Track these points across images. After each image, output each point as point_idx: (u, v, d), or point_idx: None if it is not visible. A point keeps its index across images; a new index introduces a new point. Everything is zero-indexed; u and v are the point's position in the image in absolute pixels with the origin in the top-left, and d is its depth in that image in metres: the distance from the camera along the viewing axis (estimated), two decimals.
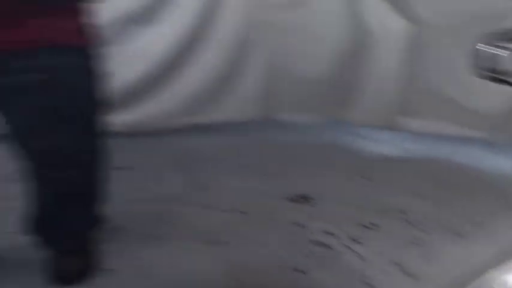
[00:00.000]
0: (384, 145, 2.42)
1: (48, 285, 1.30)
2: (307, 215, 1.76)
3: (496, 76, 0.66)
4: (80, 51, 1.15)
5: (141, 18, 2.31)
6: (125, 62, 2.12)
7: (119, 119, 2.05)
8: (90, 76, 1.17)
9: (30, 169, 1.21)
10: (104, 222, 1.42)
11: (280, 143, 2.40)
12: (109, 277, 1.36)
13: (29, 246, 1.36)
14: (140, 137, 2.26)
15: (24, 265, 1.36)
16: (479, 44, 0.68)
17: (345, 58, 2.39)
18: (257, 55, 2.43)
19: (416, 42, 2.28)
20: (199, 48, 2.42)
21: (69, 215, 1.30)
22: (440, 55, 2.27)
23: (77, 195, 1.28)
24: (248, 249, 1.54)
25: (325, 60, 2.38)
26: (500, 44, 0.66)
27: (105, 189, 1.34)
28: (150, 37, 2.33)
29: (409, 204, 1.84)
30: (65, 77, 1.10)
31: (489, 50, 0.67)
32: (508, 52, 0.65)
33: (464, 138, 2.29)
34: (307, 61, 2.35)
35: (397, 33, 2.30)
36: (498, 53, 0.66)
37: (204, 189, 1.96)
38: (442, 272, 1.43)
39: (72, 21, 1.13)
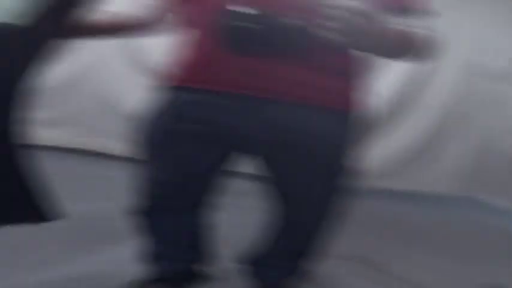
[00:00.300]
0: None
1: None
2: None
3: None
4: (344, 116, 1.13)
5: None
6: None
7: None
8: (345, 142, 1.15)
9: (276, 211, 1.25)
10: (306, 273, 1.41)
11: (479, 225, 2.22)
12: None
13: (236, 273, 1.43)
14: None
15: None
16: None
17: None
18: (465, 128, 2.29)
19: None
20: (407, 114, 2.39)
21: (286, 258, 1.33)
22: None
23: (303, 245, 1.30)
24: None
25: None
26: None
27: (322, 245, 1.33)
28: None
29: None
30: (322, 139, 1.09)
31: None
32: None
33: None
34: None
35: None
36: None
37: (391, 259, 1.91)
38: None
39: (345, 84, 1.12)
